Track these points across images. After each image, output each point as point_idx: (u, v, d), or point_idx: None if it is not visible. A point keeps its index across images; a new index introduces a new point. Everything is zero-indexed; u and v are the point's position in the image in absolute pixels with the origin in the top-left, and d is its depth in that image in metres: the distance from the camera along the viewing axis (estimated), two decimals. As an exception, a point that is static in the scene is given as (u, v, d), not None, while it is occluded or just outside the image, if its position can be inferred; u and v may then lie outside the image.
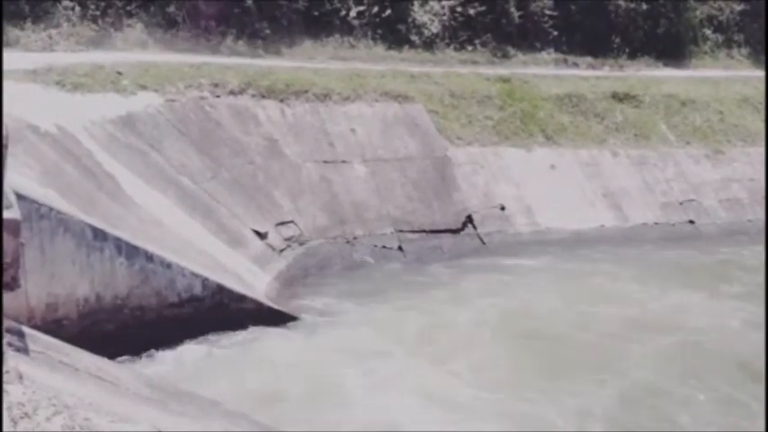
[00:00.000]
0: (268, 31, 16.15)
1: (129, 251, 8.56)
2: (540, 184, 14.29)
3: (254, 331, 9.29)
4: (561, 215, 13.94)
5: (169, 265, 8.88)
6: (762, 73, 20.13)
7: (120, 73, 12.25)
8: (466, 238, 13.11)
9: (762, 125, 17.45)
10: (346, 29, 17.15)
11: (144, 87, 12.07)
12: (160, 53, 14.17)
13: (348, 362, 8.79)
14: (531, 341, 9.61)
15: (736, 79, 19.20)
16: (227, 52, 15.19)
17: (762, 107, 17.95)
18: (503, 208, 13.66)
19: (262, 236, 11.23)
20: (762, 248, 13.32)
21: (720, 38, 21.37)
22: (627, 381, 8.61)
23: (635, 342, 9.58)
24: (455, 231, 13.13)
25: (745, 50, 21.64)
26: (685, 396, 8.30)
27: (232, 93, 12.93)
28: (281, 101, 13.25)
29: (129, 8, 15.15)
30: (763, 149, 16.76)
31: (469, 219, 13.31)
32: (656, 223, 14.68)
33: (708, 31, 21.18)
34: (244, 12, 15.95)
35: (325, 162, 12.89)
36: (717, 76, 19.40)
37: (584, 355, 9.33)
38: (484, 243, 13.14)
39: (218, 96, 12.72)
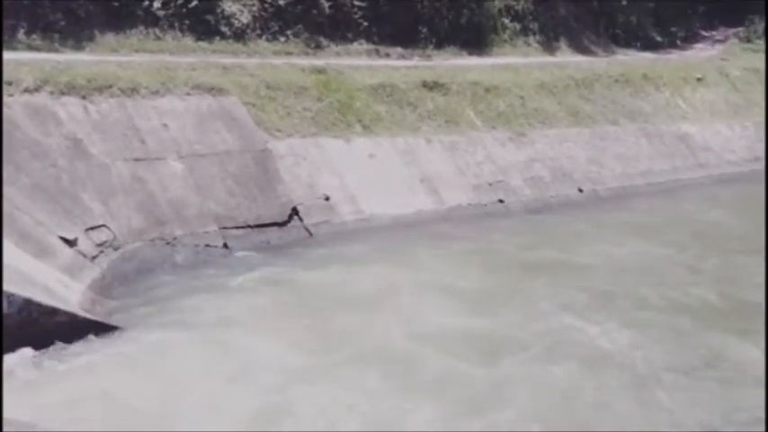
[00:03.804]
0: (63, 23, 15.02)
1: None
2: (361, 172, 14.50)
3: (66, 345, 8.63)
4: (383, 202, 14.24)
5: (-35, 283, 8.01)
6: (552, 59, 21.90)
7: None
8: (293, 231, 13.03)
9: (557, 107, 18.89)
10: (151, 20, 16.35)
11: None
12: (-63, 49, 12.72)
13: (172, 369, 8.45)
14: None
15: (533, 66, 20.59)
16: (19, 47, 13.94)
17: (557, 91, 19.42)
18: (327, 198, 13.72)
19: (70, 243, 10.42)
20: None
21: (518, 26, 22.87)
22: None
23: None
24: (282, 224, 12.99)
25: (539, 38, 23.36)
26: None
27: (27, 90, 11.86)
28: (84, 97, 12.36)
29: None
30: (560, 131, 18.16)
31: (295, 211, 13.22)
32: (469, 204, 15.40)
33: (506, 21, 22.59)
34: (35, 3, 14.71)
35: (137, 160, 12.22)
36: (516, 63, 20.66)
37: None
38: (311, 234, 13.12)
39: (11, 95, 11.64)
